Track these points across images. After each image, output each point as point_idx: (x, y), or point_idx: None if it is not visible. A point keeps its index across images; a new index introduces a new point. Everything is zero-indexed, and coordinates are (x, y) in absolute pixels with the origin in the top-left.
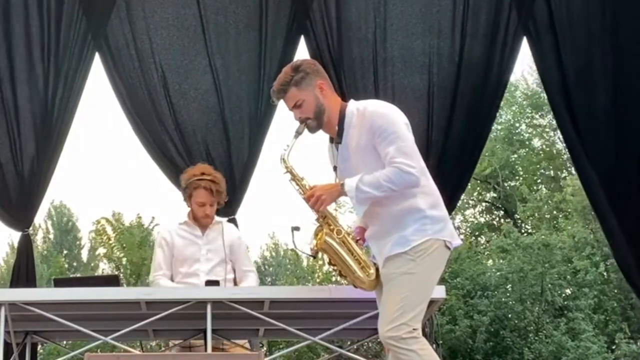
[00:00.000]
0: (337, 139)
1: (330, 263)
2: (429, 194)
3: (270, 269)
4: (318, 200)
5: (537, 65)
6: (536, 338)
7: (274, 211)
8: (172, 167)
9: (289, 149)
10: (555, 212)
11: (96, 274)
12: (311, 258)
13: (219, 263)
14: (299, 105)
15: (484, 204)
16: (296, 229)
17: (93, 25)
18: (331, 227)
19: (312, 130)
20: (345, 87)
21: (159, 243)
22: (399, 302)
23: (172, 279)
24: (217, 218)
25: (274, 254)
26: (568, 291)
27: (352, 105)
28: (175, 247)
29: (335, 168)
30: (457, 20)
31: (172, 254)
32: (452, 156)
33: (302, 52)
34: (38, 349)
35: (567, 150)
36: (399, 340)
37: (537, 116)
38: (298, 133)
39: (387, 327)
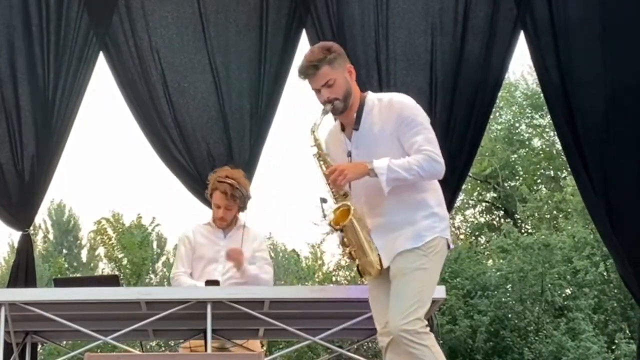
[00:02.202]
0: (354, 125)
1: (343, 244)
2: (436, 190)
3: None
4: (341, 173)
5: (535, 64)
6: (536, 338)
7: (271, 212)
8: (178, 166)
9: (319, 124)
10: (555, 212)
11: (96, 274)
12: (307, 255)
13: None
14: (330, 85)
15: (484, 204)
16: (324, 200)
17: (95, 24)
18: (353, 207)
19: (337, 112)
20: None
21: (182, 241)
22: (414, 296)
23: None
24: (240, 222)
25: (272, 254)
26: (568, 291)
27: (372, 95)
28: (196, 245)
29: (350, 153)
30: (458, 16)
31: (194, 252)
32: (453, 152)
33: (302, 50)
34: (38, 349)
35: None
36: (414, 334)
37: (537, 116)
38: (325, 111)
39: (403, 321)
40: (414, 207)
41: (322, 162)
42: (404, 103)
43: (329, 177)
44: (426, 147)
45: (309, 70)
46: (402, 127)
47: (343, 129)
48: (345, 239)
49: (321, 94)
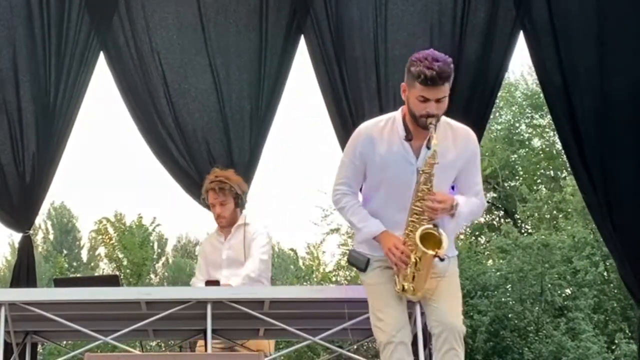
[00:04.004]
0: (426, 142)
1: (415, 267)
2: None
3: None
4: (444, 210)
5: (534, 64)
6: (536, 338)
7: (268, 212)
8: (176, 167)
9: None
10: (555, 212)
11: (96, 274)
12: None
13: (238, 266)
14: (441, 101)
15: None
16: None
17: (96, 25)
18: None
19: (429, 128)
20: (348, 86)
21: (199, 251)
22: (460, 299)
23: None
24: (240, 221)
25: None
26: (568, 291)
27: (442, 119)
28: (206, 254)
29: (419, 170)
30: (457, 17)
31: (206, 260)
32: None
33: (302, 50)
34: (38, 349)
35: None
36: (462, 335)
37: (537, 116)
38: (435, 128)
39: (459, 319)
40: (448, 217)
41: (428, 182)
42: (476, 141)
43: (436, 205)
44: (483, 193)
45: (440, 81)
46: (471, 163)
47: (409, 138)
48: (417, 262)
49: (429, 104)
